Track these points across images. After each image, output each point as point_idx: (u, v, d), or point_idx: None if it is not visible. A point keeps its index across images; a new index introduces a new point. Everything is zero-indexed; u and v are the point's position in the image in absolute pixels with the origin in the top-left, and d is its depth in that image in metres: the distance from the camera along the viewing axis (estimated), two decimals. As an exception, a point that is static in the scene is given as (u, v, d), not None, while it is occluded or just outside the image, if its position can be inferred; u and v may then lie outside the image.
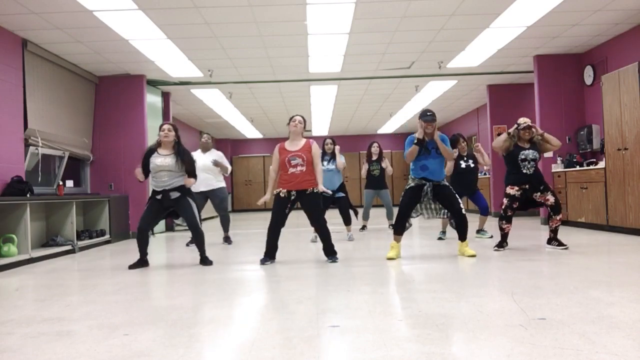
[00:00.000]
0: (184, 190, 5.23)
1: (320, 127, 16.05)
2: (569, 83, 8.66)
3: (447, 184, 5.22)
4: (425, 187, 5.11)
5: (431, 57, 8.40)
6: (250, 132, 16.87)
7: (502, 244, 5.56)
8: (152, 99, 9.51)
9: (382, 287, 4.01)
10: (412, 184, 5.17)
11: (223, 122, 14.48)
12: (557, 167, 8.56)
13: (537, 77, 8.79)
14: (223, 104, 11.82)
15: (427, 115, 5.06)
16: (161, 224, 9.77)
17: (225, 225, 7.32)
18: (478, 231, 6.98)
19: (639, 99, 6.42)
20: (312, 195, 5.12)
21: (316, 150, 5.21)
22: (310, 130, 16.33)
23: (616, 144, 6.85)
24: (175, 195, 5.18)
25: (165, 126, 5.28)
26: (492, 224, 9.09)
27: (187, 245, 7.09)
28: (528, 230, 7.24)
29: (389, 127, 16.80)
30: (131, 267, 5.17)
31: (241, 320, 3.09)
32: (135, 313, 3.23)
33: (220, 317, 3.09)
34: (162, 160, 5.16)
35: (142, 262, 5.23)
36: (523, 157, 5.34)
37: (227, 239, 7.34)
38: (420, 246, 6.44)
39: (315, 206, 5.15)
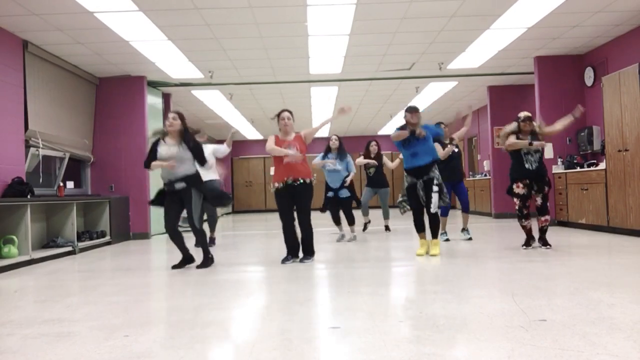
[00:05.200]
0: (190, 180, 5.05)
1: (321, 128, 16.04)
2: (570, 84, 8.65)
3: (431, 179, 5.31)
4: (418, 185, 5.35)
5: (431, 58, 8.40)
6: (251, 133, 16.88)
7: (529, 242, 5.67)
8: (153, 100, 9.51)
9: (382, 288, 4.01)
10: (407, 183, 5.47)
11: (223, 123, 14.48)
12: (558, 169, 8.56)
13: (537, 78, 8.79)
14: (223, 105, 11.83)
15: (410, 107, 5.41)
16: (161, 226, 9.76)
17: (212, 225, 7.25)
18: (463, 230, 6.94)
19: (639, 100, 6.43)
20: (306, 186, 5.15)
21: (305, 132, 5.37)
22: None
23: (617, 145, 6.85)
24: (180, 185, 5.03)
25: (170, 114, 5.12)
26: (484, 225, 9.07)
27: (195, 246, 7.06)
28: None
29: (390, 128, 16.80)
30: (175, 266, 5.05)
31: (242, 322, 3.09)
32: (135, 314, 3.23)
33: (220, 319, 3.09)
34: (167, 149, 5.01)
35: (187, 260, 5.10)
36: (525, 150, 5.44)
37: (211, 241, 7.19)
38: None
39: (307, 197, 5.17)
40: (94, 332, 2.79)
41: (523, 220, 5.58)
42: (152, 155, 5.08)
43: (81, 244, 7.04)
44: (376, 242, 7.15)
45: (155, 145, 5.11)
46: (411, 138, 5.28)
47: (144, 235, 8.72)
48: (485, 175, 12.09)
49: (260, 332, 2.75)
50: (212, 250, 6.80)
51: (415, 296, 3.65)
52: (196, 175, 5.13)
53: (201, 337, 2.67)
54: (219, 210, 15.21)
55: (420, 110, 5.44)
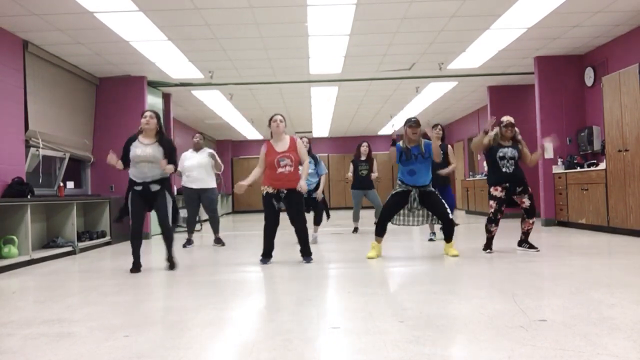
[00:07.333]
0: (164, 183, 5.04)
1: (321, 128, 16.06)
2: (570, 84, 8.65)
3: (432, 189, 5.33)
4: (412, 193, 5.24)
5: (432, 58, 8.40)
6: (251, 133, 16.88)
7: (490, 246, 5.56)
8: (153, 100, 9.50)
9: (382, 288, 4.01)
10: (399, 189, 5.32)
11: (224, 124, 14.49)
12: (558, 169, 8.56)
13: (537, 79, 8.79)
14: (224, 105, 11.83)
15: (411, 121, 5.29)
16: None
17: (215, 226, 7.29)
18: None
19: (640, 100, 6.42)
20: (299, 194, 5.19)
21: (301, 145, 5.28)
22: (310, 132, 16.32)
23: (617, 145, 6.85)
24: (155, 187, 4.99)
25: (147, 113, 5.06)
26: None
27: (184, 246, 7.05)
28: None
29: (390, 128, 16.79)
30: (132, 271, 5.01)
31: (241, 322, 3.09)
32: (135, 314, 3.23)
33: (220, 319, 3.08)
34: (143, 149, 4.96)
35: (138, 265, 5.05)
36: (501, 154, 5.37)
37: (218, 241, 7.25)
38: (421, 247, 6.44)
39: (300, 204, 5.22)
40: (94, 333, 2.79)
41: (493, 225, 5.44)
42: (125, 155, 5.04)
43: (81, 244, 7.04)
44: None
45: (128, 145, 5.05)
46: (410, 155, 5.21)
47: (144, 235, 8.69)
48: (485, 175, 12.08)
49: (260, 332, 2.75)
50: (223, 249, 6.83)
51: (415, 296, 3.65)
52: (168, 178, 5.14)
53: (201, 337, 2.67)
54: (220, 210, 15.23)
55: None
